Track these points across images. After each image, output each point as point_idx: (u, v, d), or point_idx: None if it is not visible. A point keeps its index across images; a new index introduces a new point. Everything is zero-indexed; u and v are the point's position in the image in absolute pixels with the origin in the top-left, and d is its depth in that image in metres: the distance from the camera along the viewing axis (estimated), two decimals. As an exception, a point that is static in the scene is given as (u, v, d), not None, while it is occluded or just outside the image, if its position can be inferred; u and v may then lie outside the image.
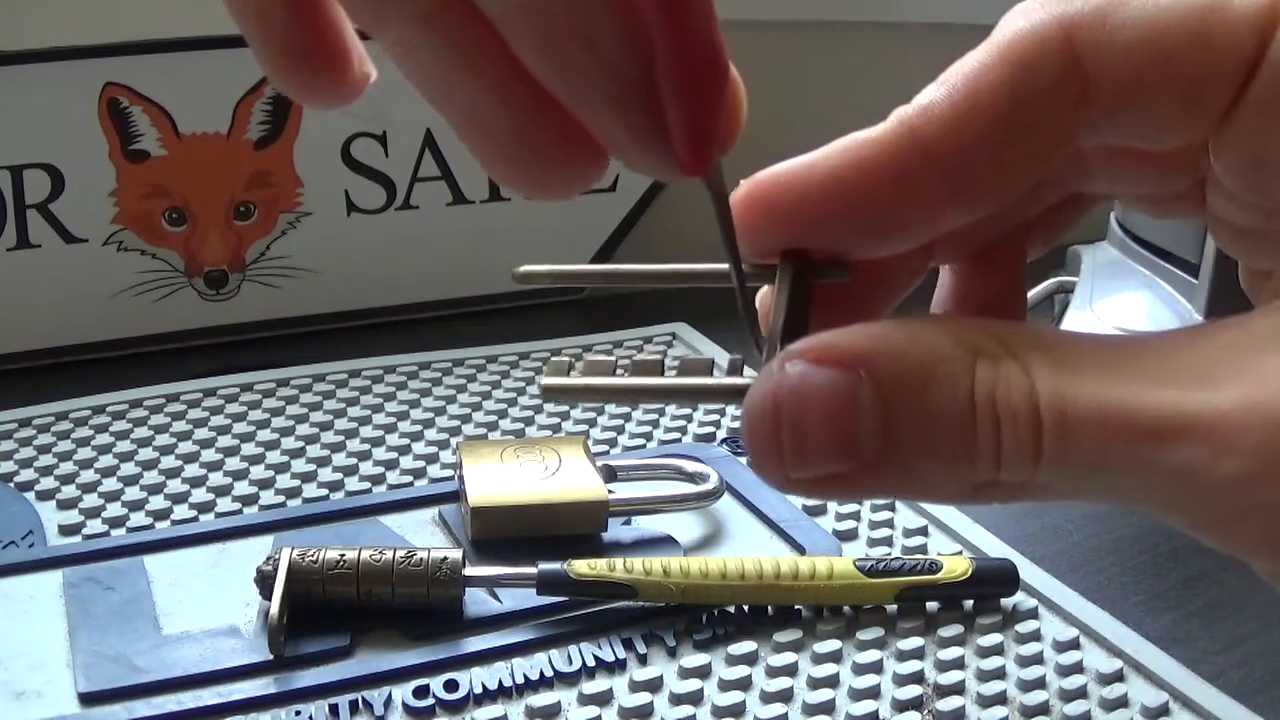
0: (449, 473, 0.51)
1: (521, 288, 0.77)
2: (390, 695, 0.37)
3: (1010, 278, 0.24)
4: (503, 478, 0.45)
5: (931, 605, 0.42)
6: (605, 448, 0.54)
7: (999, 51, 0.21)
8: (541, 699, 0.37)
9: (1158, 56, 0.20)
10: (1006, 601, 0.43)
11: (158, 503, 0.48)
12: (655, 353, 0.64)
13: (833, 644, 0.40)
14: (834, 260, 0.22)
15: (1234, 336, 0.18)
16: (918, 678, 0.39)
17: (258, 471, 0.50)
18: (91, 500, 0.47)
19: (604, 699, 0.38)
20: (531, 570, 0.40)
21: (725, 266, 0.22)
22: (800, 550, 0.45)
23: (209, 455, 0.51)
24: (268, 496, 0.48)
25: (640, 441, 0.54)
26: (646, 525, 0.46)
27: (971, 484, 0.19)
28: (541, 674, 0.38)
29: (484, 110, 0.19)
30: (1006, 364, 0.18)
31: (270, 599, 0.38)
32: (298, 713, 0.36)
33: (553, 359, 0.22)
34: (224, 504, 0.48)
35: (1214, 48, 0.20)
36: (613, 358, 0.22)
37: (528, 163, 0.19)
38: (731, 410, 0.57)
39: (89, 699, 0.36)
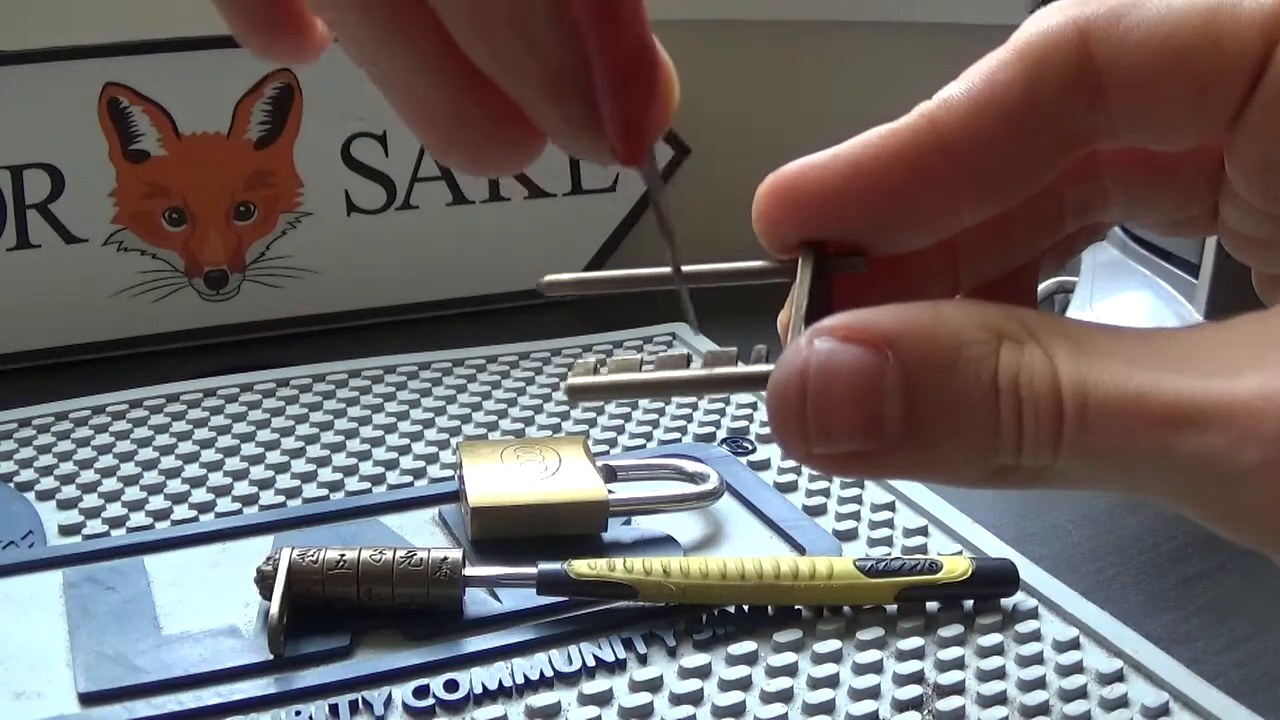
0: (449, 473, 0.51)
1: (521, 287, 0.77)
2: (390, 695, 0.37)
3: (1022, 298, 0.25)
4: (503, 478, 0.45)
5: (931, 605, 0.42)
6: (605, 448, 0.54)
7: (1015, 49, 0.21)
8: (541, 699, 0.37)
9: (1168, 56, 0.20)
10: (1006, 601, 0.43)
11: (158, 503, 0.48)
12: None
13: (833, 644, 0.40)
14: (852, 251, 0.22)
15: (1254, 330, 0.19)
16: (918, 678, 0.39)
17: (258, 471, 0.50)
18: (91, 500, 0.47)
19: (604, 699, 0.38)
20: (531, 570, 0.40)
21: (747, 264, 0.23)
22: (800, 550, 0.45)
23: (209, 455, 0.51)
24: (268, 496, 0.48)
25: (640, 441, 0.54)
26: (646, 525, 0.46)
27: (992, 468, 0.19)
28: (541, 674, 0.38)
29: (421, 90, 0.19)
30: (1030, 349, 0.19)
31: (270, 599, 0.38)
32: (298, 713, 0.36)
33: (579, 360, 0.22)
34: (224, 504, 0.48)
35: (1222, 48, 0.20)
36: (638, 355, 0.22)
37: (464, 141, 0.20)
38: (731, 410, 0.57)
39: (89, 699, 0.36)
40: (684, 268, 0.23)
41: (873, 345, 0.19)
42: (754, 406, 0.58)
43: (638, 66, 0.18)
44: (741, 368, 0.21)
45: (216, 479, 0.49)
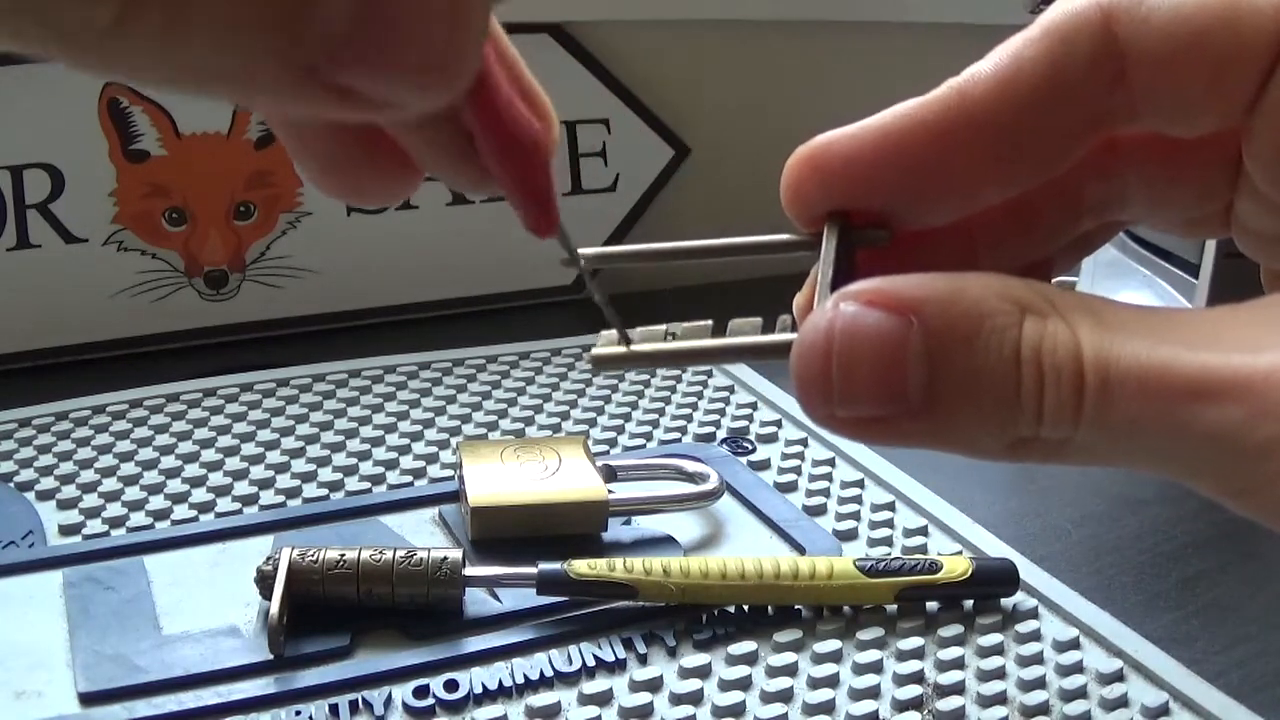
0: (449, 473, 0.51)
1: (521, 287, 0.77)
2: (390, 695, 0.37)
3: None
4: (503, 478, 0.45)
5: (931, 605, 0.42)
6: (605, 448, 0.54)
7: (1042, 28, 0.21)
8: (541, 699, 0.37)
9: (1188, 38, 0.20)
10: (1006, 601, 0.43)
11: (158, 503, 0.48)
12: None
13: (833, 644, 0.40)
14: (877, 225, 0.22)
15: (1274, 311, 0.19)
16: (918, 678, 0.39)
17: (258, 471, 0.50)
18: (91, 500, 0.47)
19: (604, 699, 0.38)
20: (531, 570, 0.40)
21: (772, 238, 0.23)
22: (800, 550, 0.45)
23: (209, 455, 0.51)
24: (268, 496, 0.48)
25: (640, 441, 0.54)
26: (646, 525, 0.46)
27: (1011, 439, 0.19)
28: (541, 674, 0.38)
29: (306, 129, 0.20)
30: (1053, 321, 0.19)
31: (270, 599, 0.38)
32: (298, 713, 0.36)
33: (602, 332, 0.22)
34: (224, 504, 0.48)
35: (1241, 32, 0.20)
36: (662, 326, 0.22)
37: (343, 174, 0.20)
38: (731, 410, 0.57)
39: (89, 699, 0.36)
40: (712, 241, 0.23)
41: (898, 311, 0.19)
42: (753, 406, 0.58)
43: (521, 148, 0.19)
44: (764, 336, 0.21)
45: (216, 479, 0.49)
